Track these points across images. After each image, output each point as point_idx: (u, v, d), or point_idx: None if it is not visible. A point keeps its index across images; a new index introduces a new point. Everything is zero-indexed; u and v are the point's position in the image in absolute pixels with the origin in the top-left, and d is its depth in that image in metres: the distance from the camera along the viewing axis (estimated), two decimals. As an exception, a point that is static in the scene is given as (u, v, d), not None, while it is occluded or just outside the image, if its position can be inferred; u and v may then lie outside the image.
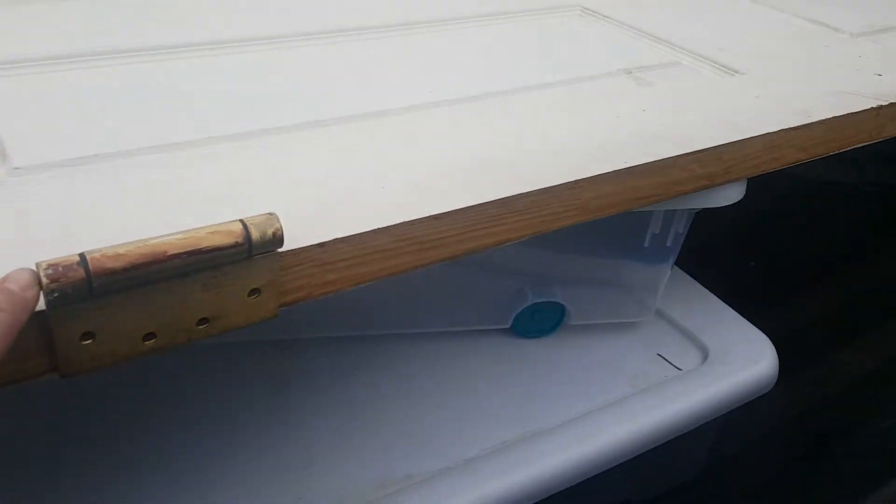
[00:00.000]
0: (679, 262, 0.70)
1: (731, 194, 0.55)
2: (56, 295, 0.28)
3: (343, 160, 0.44)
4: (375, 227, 0.38)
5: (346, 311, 0.59)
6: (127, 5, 0.64)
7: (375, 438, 0.55)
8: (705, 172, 0.51)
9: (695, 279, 0.71)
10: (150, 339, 0.32)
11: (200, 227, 0.31)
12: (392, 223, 0.38)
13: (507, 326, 0.62)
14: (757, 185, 0.55)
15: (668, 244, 0.59)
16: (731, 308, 0.67)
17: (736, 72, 0.63)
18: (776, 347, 0.64)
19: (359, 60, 0.59)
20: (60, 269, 0.29)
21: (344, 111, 0.49)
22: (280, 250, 0.34)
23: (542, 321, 0.63)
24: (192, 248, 0.31)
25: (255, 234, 0.32)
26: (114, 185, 0.39)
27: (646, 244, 0.58)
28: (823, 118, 0.56)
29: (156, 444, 0.53)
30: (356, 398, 0.58)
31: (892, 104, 0.60)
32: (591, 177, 0.45)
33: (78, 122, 0.45)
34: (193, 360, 0.58)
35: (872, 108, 0.59)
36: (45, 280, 0.28)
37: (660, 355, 0.63)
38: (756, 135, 0.53)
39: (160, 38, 0.57)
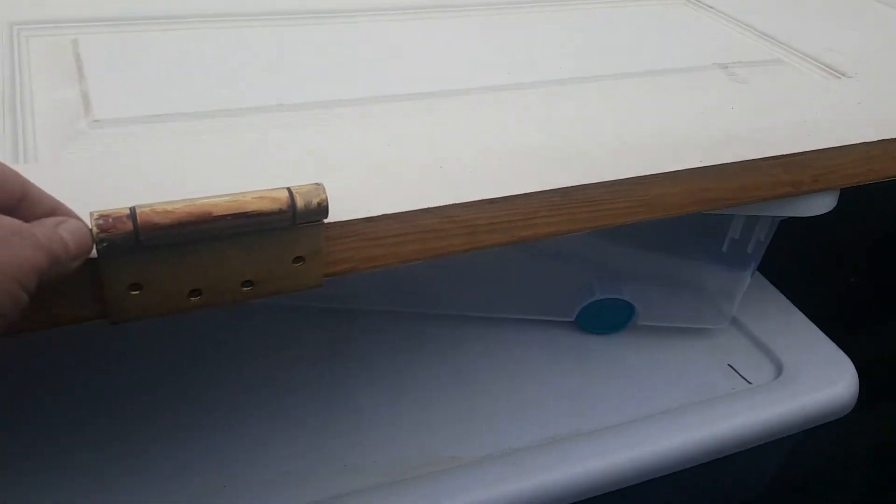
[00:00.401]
0: (763, 269, 0.67)
1: (819, 204, 0.52)
2: (105, 245, 0.30)
3: (406, 137, 0.43)
4: (426, 206, 0.38)
5: (410, 285, 0.59)
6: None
7: (425, 415, 0.55)
8: (790, 179, 0.48)
9: (778, 289, 0.67)
10: (195, 296, 0.34)
11: (247, 192, 0.32)
12: (443, 203, 0.38)
13: (571, 320, 0.61)
14: (872, 191, 0.52)
15: (749, 251, 0.56)
16: (813, 324, 0.64)
17: (842, 74, 0.59)
18: (860, 371, 0.60)
19: (440, 37, 0.58)
20: (111, 220, 0.30)
21: (416, 87, 0.49)
22: (326, 221, 0.34)
23: (607, 318, 0.61)
24: (238, 211, 0.31)
25: (300, 203, 0.32)
26: (183, 144, 0.40)
27: (724, 249, 0.56)
28: (933, 131, 0.52)
29: (206, 401, 0.55)
30: (411, 374, 0.58)
31: None
32: (660, 173, 0.43)
33: (164, 82, 0.46)
34: (255, 320, 0.60)
35: None
36: (95, 230, 0.30)
37: (730, 366, 0.60)
38: (851, 143, 0.49)
39: (255, 5, 0.59)
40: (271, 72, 0.50)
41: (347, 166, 0.40)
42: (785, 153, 0.47)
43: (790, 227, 0.58)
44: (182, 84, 0.47)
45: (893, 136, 0.50)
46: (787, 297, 0.68)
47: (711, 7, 0.70)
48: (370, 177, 0.39)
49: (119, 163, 0.37)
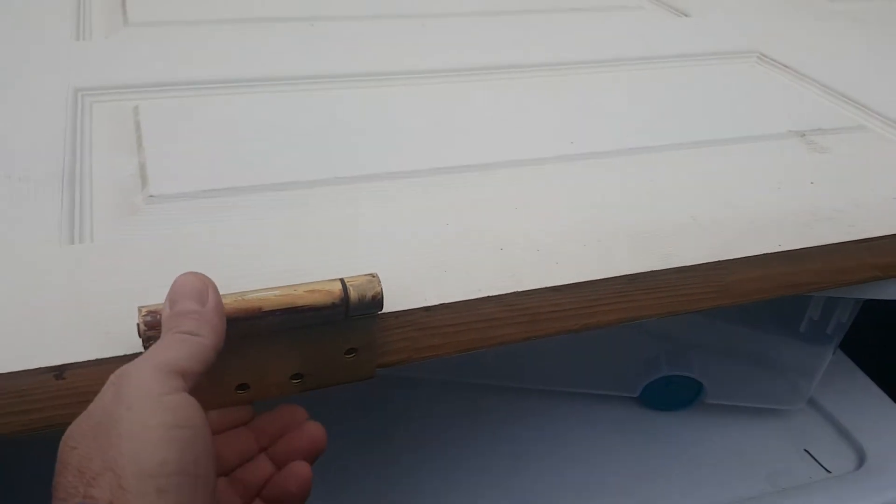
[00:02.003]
0: (843, 345, 0.62)
1: (908, 286, 0.48)
2: (152, 342, 0.29)
3: (465, 214, 0.42)
4: (487, 294, 0.36)
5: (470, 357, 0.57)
6: (280, 33, 0.65)
7: (480, 491, 0.53)
8: (878, 263, 0.44)
9: (859, 366, 0.63)
10: (242, 390, 0.32)
11: (299, 285, 0.30)
12: (505, 291, 0.36)
13: (636, 396, 0.58)
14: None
15: (829, 332, 0.52)
16: (882, 391, 0.59)
17: (932, 142, 0.55)
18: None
19: (501, 102, 0.57)
20: (158, 316, 0.29)
21: (475, 158, 0.48)
22: (381, 312, 0.33)
23: (673, 395, 0.58)
24: (289, 306, 0.30)
25: (353, 296, 0.31)
26: (236, 220, 0.39)
27: (801, 329, 0.52)
28: None
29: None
30: (468, 448, 0.56)
31: None
32: (737, 258, 0.41)
33: (221, 151, 0.46)
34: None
35: None
36: (142, 326, 0.29)
37: (807, 451, 0.56)
38: (947, 224, 0.45)
39: (309, 68, 0.58)
40: (323, 140, 0.48)
41: (405, 247, 0.38)
42: (872, 236, 0.44)
43: (875, 302, 0.54)
44: (239, 153, 0.46)
45: None
46: (868, 376, 0.63)
47: (786, 66, 0.67)
48: (428, 260, 0.37)
49: (172, 244, 0.37)
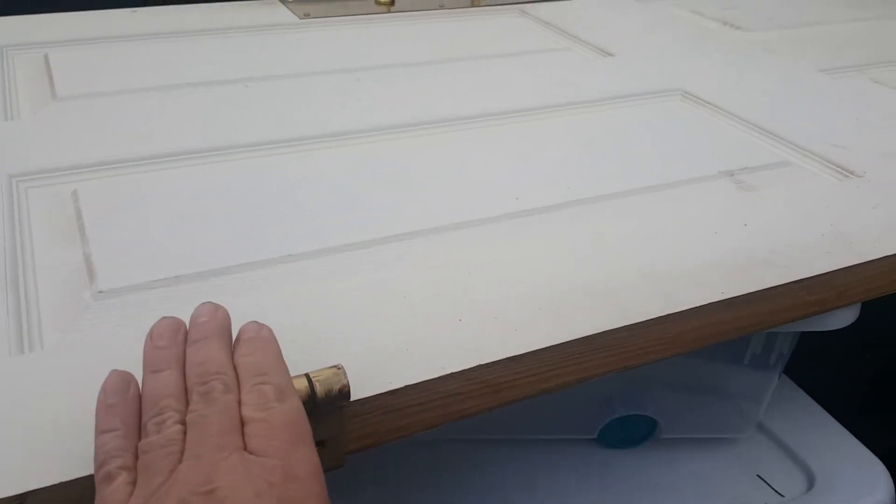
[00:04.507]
0: (786, 368, 0.65)
1: (843, 317, 0.51)
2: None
3: (420, 284, 0.42)
4: (450, 370, 0.36)
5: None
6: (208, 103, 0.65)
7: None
8: (815, 299, 0.47)
9: (801, 388, 0.66)
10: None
11: (265, 385, 0.30)
12: (467, 366, 0.36)
13: (594, 437, 0.59)
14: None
15: (771, 363, 0.55)
16: (842, 426, 0.62)
17: (851, 173, 0.58)
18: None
19: (439, 160, 0.57)
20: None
21: (422, 223, 0.48)
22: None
23: (630, 433, 0.59)
24: (256, 408, 0.30)
25: (320, 391, 0.31)
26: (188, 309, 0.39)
27: (745, 362, 0.54)
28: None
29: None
30: (431, 501, 0.56)
31: None
32: (682, 311, 0.42)
33: (167, 233, 0.45)
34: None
35: None
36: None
37: (760, 477, 0.58)
38: (874, 258, 0.48)
39: (253, 135, 0.58)
40: (273, 213, 0.48)
41: (366, 326, 0.39)
42: (807, 275, 0.46)
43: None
44: (188, 234, 0.45)
45: (914, 244, 0.50)
46: (811, 394, 0.66)
47: (708, 103, 0.70)
48: (391, 338, 0.38)
49: (129, 342, 0.36)
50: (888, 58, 0.84)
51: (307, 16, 0.87)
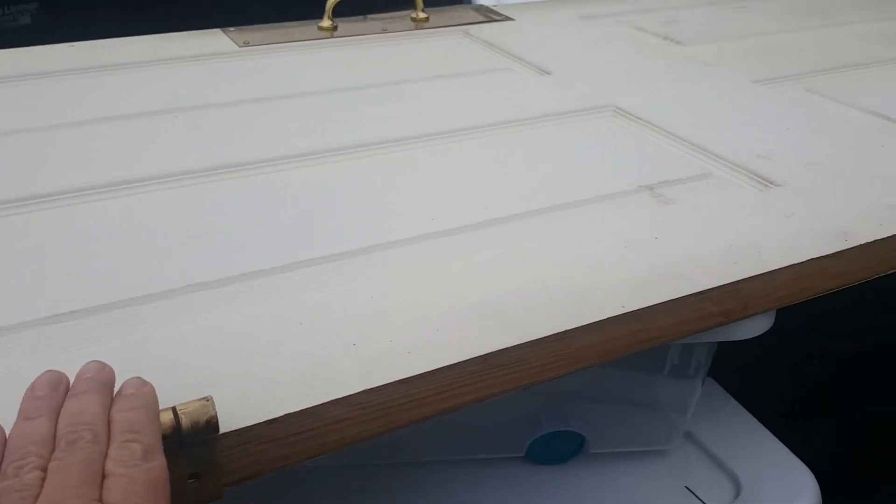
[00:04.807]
0: (714, 373, 0.65)
1: (755, 327, 0.51)
2: None
3: (314, 310, 0.42)
4: (335, 396, 0.36)
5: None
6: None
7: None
8: (720, 310, 0.47)
9: (731, 394, 0.66)
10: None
11: (130, 419, 0.30)
12: (355, 391, 0.36)
13: (522, 455, 0.59)
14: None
15: (692, 372, 0.55)
16: (768, 431, 0.62)
17: (772, 183, 0.59)
18: (820, 477, 0.58)
19: (360, 184, 0.58)
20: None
21: (322, 250, 0.48)
22: (224, 431, 0.33)
23: (558, 449, 0.59)
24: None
25: (185, 423, 0.31)
26: (76, 351, 0.39)
27: (665, 373, 0.54)
28: (865, 241, 0.51)
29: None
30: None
31: (947, 220, 0.54)
32: (582, 326, 0.42)
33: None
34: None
35: (924, 225, 0.53)
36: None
37: (688, 488, 0.58)
38: (780, 266, 0.48)
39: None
40: (165, 244, 0.48)
41: (256, 354, 0.39)
42: (711, 287, 0.46)
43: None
44: (83, 269, 0.45)
45: (825, 253, 0.50)
46: (744, 401, 0.66)
47: (639, 118, 0.71)
48: (277, 366, 0.38)
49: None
50: (824, 66, 0.85)
51: (247, 44, 0.88)
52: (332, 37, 0.93)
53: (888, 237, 0.51)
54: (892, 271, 0.53)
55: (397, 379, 0.38)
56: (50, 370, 0.33)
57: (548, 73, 0.82)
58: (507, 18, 1.03)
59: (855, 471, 0.79)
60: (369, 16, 1.00)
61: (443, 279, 0.45)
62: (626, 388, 0.58)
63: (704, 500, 0.56)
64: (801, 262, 0.49)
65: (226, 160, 0.59)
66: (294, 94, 0.74)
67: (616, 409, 0.59)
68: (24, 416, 0.31)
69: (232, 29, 0.93)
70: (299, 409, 0.35)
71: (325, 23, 0.94)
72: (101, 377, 0.33)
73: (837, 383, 0.91)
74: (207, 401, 0.32)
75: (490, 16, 1.04)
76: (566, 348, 0.42)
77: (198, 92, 0.73)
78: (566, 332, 0.42)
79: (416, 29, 0.98)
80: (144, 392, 0.32)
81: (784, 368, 0.92)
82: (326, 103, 0.72)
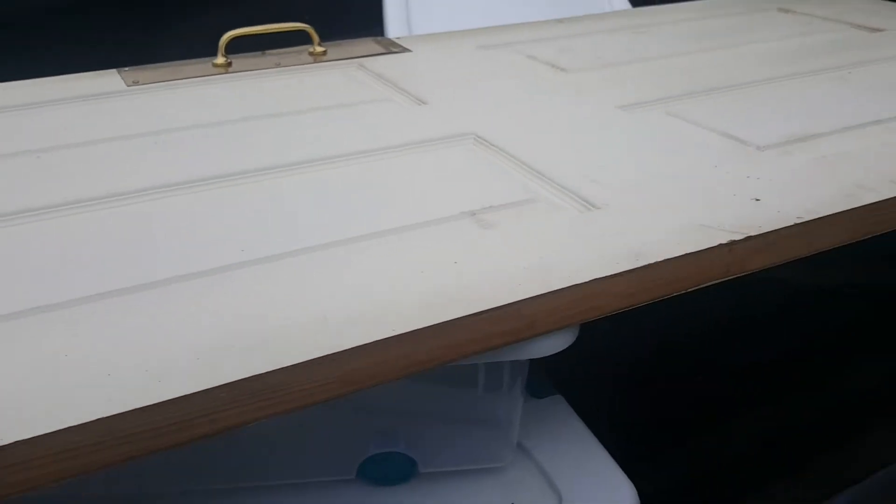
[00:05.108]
0: (565, 387, 0.67)
1: (554, 343, 0.53)
2: None
3: (79, 338, 0.44)
4: (75, 422, 0.38)
5: (182, 464, 0.59)
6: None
7: None
8: (501, 330, 0.49)
9: (575, 409, 0.67)
10: None
11: None
12: (90, 419, 0.38)
13: (353, 477, 0.60)
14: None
15: (505, 390, 0.56)
16: (601, 447, 0.63)
17: (594, 206, 0.61)
18: (652, 494, 0.59)
19: (177, 217, 0.60)
20: None
21: (110, 283, 0.50)
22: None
23: (389, 471, 0.60)
24: None
25: None
26: None
27: (480, 391, 0.56)
28: (657, 260, 0.53)
29: None
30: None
31: (747, 238, 0.56)
32: (347, 350, 0.44)
33: None
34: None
35: (723, 244, 0.55)
36: None
37: (515, 505, 0.60)
38: (566, 286, 0.50)
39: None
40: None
41: (16, 378, 0.40)
42: (489, 308, 0.48)
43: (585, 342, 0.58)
44: None
45: (614, 272, 0.52)
46: (591, 415, 0.68)
47: (493, 145, 0.73)
48: (32, 392, 0.39)
49: None
50: (692, 90, 0.87)
51: (136, 83, 0.91)
52: (226, 72, 0.96)
53: (678, 257, 0.53)
54: (682, 291, 0.54)
55: (140, 406, 0.39)
56: None
57: (424, 103, 0.85)
58: (405, 50, 1.05)
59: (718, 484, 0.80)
60: (268, 51, 1.03)
61: (218, 309, 0.47)
62: (451, 407, 0.59)
63: (526, 517, 0.58)
64: (586, 282, 0.50)
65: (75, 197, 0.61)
66: (160, 129, 0.76)
67: (444, 428, 0.60)
68: None
69: (127, 69, 0.95)
70: (33, 435, 0.36)
71: (220, 59, 0.97)
72: None
73: (720, 397, 0.92)
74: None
75: (390, 48, 1.07)
76: (334, 372, 0.44)
77: (63, 133, 0.75)
78: (331, 355, 0.43)
79: (314, 63, 1.00)
80: None
81: (634, 382, 0.93)
82: (189, 138, 0.74)
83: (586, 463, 0.61)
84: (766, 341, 1.03)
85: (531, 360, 0.57)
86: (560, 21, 1.21)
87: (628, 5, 1.45)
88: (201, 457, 0.58)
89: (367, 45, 1.08)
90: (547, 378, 0.73)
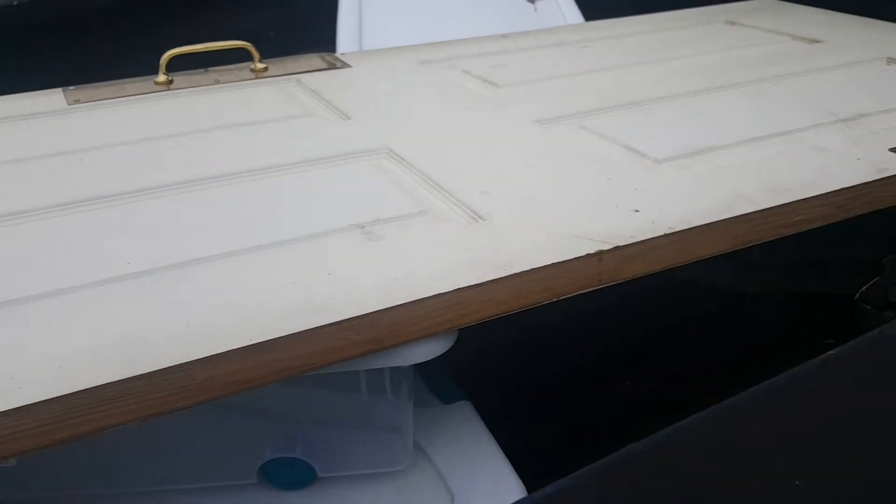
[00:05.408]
0: (478, 392, 0.69)
1: (429, 350, 0.55)
2: None
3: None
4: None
5: (81, 469, 0.61)
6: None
7: None
8: (364, 339, 0.51)
9: (479, 412, 0.70)
10: None
11: None
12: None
13: (255, 481, 0.63)
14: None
15: (390, 396, 0.59)
16: (499, 450, 0.66)
17: (480, 218, 0.63)
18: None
19: (85, 232, 0.62)
20: None
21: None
22: None
23: (289, 475, 0.63)
24: None
25: None
26: None
27: (365, 398, 0.58)
28: (523, 270, 0.56)
29: None
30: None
31: (616, 248, 0.58)
32: (204, 358, 0.47)
33: None
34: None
35: (591, 254, 0.58)
36: None
37: (410, 508, 0.62)
38: (430, 295, 0.53)
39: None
40: None
41: None
42: (352, 317, 0.50)
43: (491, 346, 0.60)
44: None
45: (481, 281, 0.54)
46: (497, 420, 0.70)
47: (403, 159, 0.75)
48: None
49: None
50: (612, 104, 0.90)
51: (77, 101, 0.94)
52: (167, 90, 0.99)
53: (546, 266, 0.56)
54: (555, 298, 0.57)
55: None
56: None
57: (349, 118, 0.87)
58: (346, 66, 1.08)
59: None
60: (210, 69, 1.06)
61: (89, 320, 0.50)
62: (346, 413, 0.61)
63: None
64: (450, 291, 0.53)
65: None
66: (88, 147, 0.79)
67: (340, 433, 0.62)
68: None
69: (72, 88, 0.99)
70: None
71: (161, 77, 1.00)
72: None
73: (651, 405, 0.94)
74: None
75: (333, 63, 1.10)
76: (190, 380, 0.46)
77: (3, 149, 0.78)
78: (186, 363, 0.46)
79: (255, 79, 1.04)
80: None
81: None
82: (110, 155, 0.77)
83: (482, 465, 0.64)
84: (698, 347, 1.06)
85: (423, 365, 0.59)
86: (505, 36, 1.24)
87: (581, 19, 1.48)
88: (101, 460, 0.60)
89: (311, 60, 1.11)
90: (456, 385, 0.76)
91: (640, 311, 1.09)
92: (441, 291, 0.53)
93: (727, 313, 1.11)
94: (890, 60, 1.05)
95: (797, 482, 0.30)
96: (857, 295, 1.01)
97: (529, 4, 1.51)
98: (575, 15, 1.48)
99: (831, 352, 0.37)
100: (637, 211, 0.63)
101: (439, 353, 0.55)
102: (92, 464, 0.61)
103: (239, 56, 1.06)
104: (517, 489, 0.62)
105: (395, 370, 0.59)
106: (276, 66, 1.07)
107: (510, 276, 0.55)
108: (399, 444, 0.63)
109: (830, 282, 1.12)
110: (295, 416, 0.63)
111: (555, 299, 0.57)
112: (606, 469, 0.33)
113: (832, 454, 0.33)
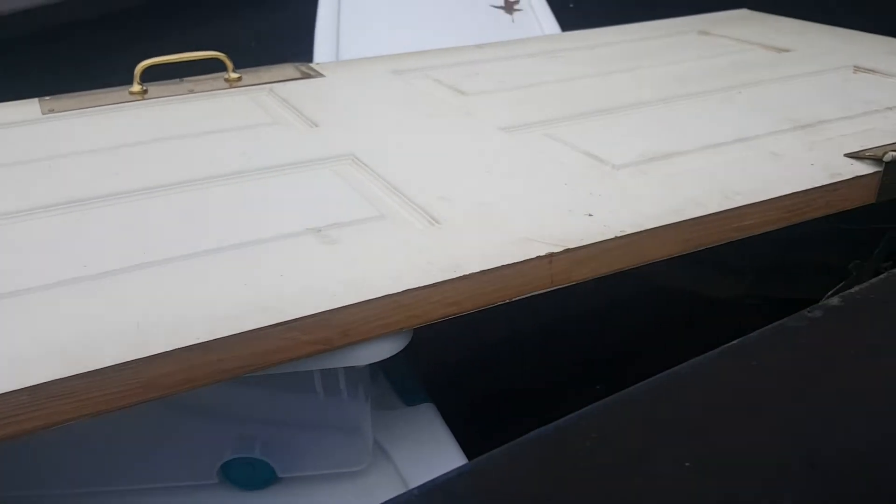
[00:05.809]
0: (445, 396, 0.70)
1: (380, 350, 0.56)
2: None
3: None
4: None
5: (39, 468, 0.62)
6: None
7: None
8: (312, 339, 0.52)
9: (441, 413, 0.71)
10: None
11: None
12: None
13: (214, 482, 0.64)
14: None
15: (346, 396, 0.60)
16: (460, 450, 0.66)
17: (436, 222, 0.64)
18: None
19: (61, 238, 0.64)
20: None
21: None
22: None
23: (250, 475, 0.63)
24: None
25: None
26: None
27: (321, 398, 0.59)
28: (473, 272, 0.57)
29: None
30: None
31: (566, 250, 0.60)
32: (152, 356, 0.47)
33: None
34: None
35: (542, 256, 0.59)
36: None
37: (369, 509, 0.63)
38: (379, 296, 0.54)
39: None
40: None
41: None
42: (298, 317, 0.51)
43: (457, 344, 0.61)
44: None
45: (432, 282, 0.55)
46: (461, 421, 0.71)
47: (367, 165, 0.76)
48: None
49: None
50: (577, 112, 0.91)
51: (51, 111, 0.95)
52: (142, 99, 1.00)
53: (496, 268, 0.57)
54: (507, 300, 0.58)
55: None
56: None
57: (316, 126, 0.89)
58: (320, 75, 1.10)
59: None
60: (185, 78, 1.07)
61: (38, 320, 0.51)
62: (304, 413, 0.62)
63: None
64: (399, 293, 0.54)
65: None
66: (56, 155, 0.80)
67: (300, 433, 0.63)
68: None
69: (47, 98, 1.00)
70: None
71: (135, 87, 1.01)
72: None
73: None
74: None
75: (307, 73, 1.11)
76: (139, 377, 0.47)
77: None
78: (130, 362, 0.47)
79: (229, 88, 1.05)
80: None
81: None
82: (79, 163, 0.78)
83: (442, 467, 0.64)
84: (669, 352, 1.06)
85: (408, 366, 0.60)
86: (480, 46, 1.25)
87: (558, 30, 1.49)
88: (61, 461, 0.61)
89: (285, 70, 1.12)
90: (423, 387, 0.77)
91: (611, 316, 1.10)
92: (391, 292, 0.54)
93: (697, 318, 1.12)
94: (857, 69, 1.06)
95: (687, 464, 0.31)
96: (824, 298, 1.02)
97: (507, 16, 1.52)
98: (552, 25, 1.50)
99: (734, 342, 0.38)
100: (591, 215, 0.65)
101: (392, 354, 0.56)
102: (52, 464, 0.62)
103: (217, 66, 1.07)
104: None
105: (350, 371, 0.59)
106: (249, 75, 1.08)
107: (460, 277, 0.56)
108: (358, 444, 0.64)
109: (800, 286, 1.13)
110: (255, 416, 0.63)
111: (507, 300, 0.58)
112: (517, 449, 0.34)
113: (723, 440, 0.34)
